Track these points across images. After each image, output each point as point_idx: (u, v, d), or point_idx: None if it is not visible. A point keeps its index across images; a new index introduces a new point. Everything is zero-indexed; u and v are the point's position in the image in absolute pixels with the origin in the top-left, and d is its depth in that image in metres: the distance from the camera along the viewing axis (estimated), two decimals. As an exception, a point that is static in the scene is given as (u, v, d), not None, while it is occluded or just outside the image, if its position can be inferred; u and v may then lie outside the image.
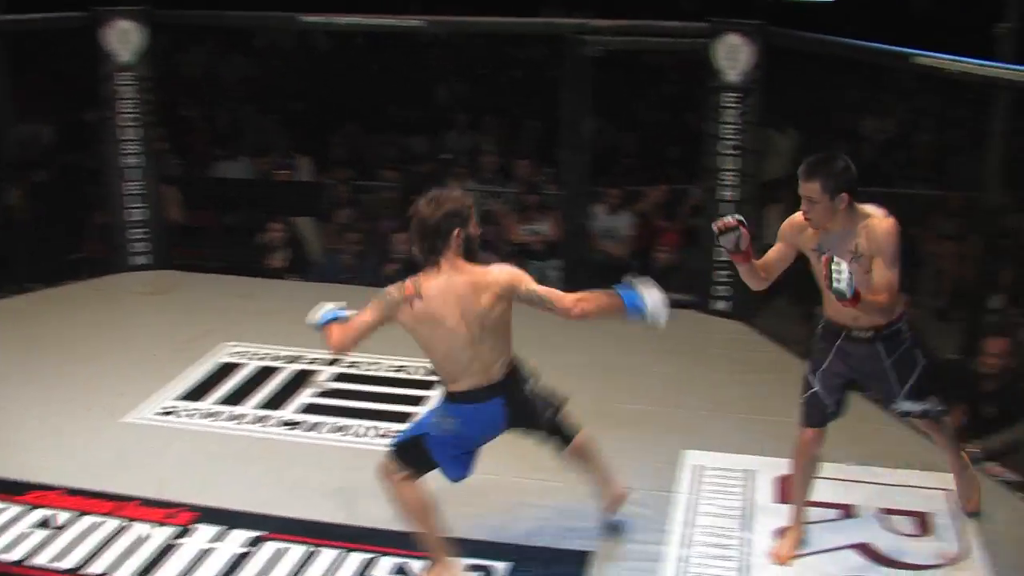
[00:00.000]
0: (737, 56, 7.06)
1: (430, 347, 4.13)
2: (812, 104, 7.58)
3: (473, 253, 4.07)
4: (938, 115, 9.19)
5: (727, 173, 7.24)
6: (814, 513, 4.93)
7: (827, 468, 5.29)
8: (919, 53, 6.04)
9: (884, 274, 4.13)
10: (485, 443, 4.32)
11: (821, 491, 5.11)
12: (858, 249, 4.20)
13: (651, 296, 4.20)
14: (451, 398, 4.20)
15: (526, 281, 4.08)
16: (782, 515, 4.91)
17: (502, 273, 4.06)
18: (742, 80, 7.09)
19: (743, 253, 4.31)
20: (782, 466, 5.34)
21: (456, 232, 4.00)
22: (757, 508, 5.04)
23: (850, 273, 3.97)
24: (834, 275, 3.96)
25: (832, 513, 4.99)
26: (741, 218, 4.28)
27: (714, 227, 4.29)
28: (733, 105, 7.12)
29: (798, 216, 4.35)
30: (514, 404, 4.21)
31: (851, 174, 4.15)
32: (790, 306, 7.85)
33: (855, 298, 4.00)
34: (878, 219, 4.19)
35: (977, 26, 6.49)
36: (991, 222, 6.26)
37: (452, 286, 4.01)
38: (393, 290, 4.10)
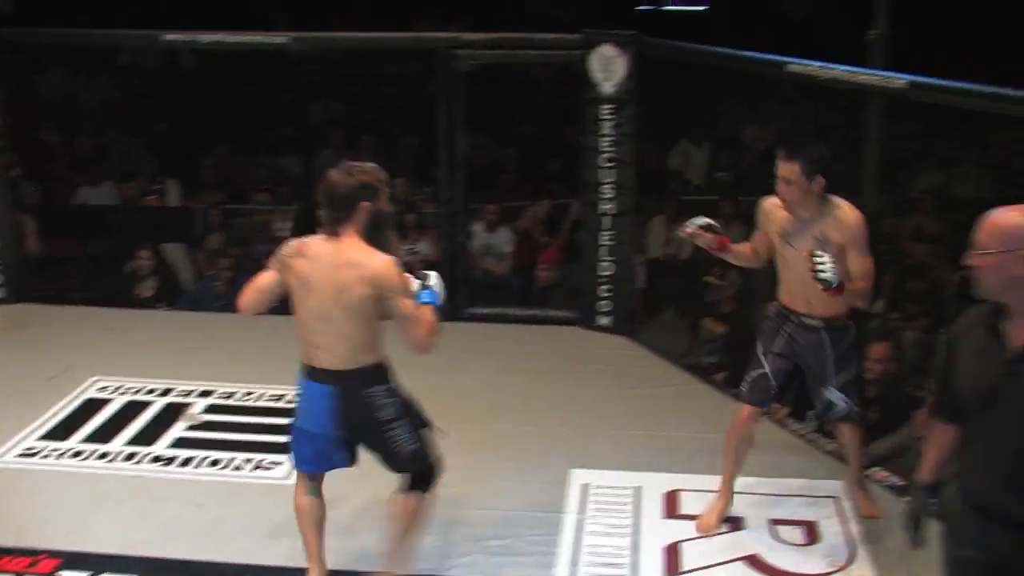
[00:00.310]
0: (611, 67, 7.15)
1: (297, 311, 4.07)
2: (693, 114, 7.72)
3: (381, 230, 4.01)
4: (815, 122, 9.40)
5: (605, 186, 7.31)
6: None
7: (714, 481, 5.39)
8: (792, 61, 6.19)
9: (862, 261, 4.45)
10: (321, 438, 4.14)
11: (707, 504, 5.21)
12: (825, 236, 4.45)
13: (435, 282, 4.17)
14: (300, 370, 4.17)
15: (398, 289, 3.94)
16: (671, 531, 4.98)
17: (381, 264, 3.92)
18: (617, 91, 7.17)
19: (720, 248, 4.75)
20: (670, 481, 5.42)
21: (362, 204, 3.95)
22: (646, 525, 5.07)
23: (833, 263, 4.26)
24: (818, 266, 4.26)
25: (720, 526, 5.05)
26: (705, 221, 4.67)
27: (681, 234, 4.77)
28: (609, 117, 7.20)
29: (768, 200, 4.72)
30: (348, 403, 4.04)
31: (828, 160, 4.47)
32: (675, 319, 7.98)
33: (840, 288, 4.28)
34: (847, 209, 4.50)
35: (851, 33, 6.67)
36: (869, 227, 6.41)
37: (334, 255, 3.95)
38: (286, 247, 4.10)
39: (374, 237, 3.99)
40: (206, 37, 7.78)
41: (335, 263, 3.93)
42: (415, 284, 4.10)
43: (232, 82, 9.13)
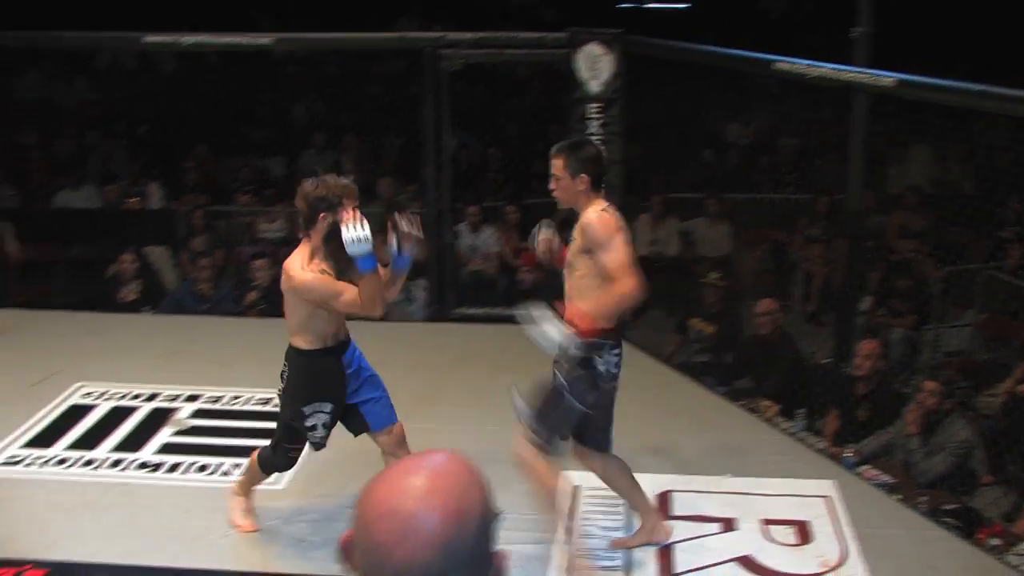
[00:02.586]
0: (598, 66, 7.13)
1: None
2: (674, 111, 7.71)
3: (337, 238, 4.28)
4: (800, 120, 9.44)
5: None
6: (694, 528, 5.00)
7: (705, 482, 5.40)
8: (779, 59, 6.19)
9: (608, 259, 4.30)
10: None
11: (700, 505, 5.20)
12: (575, 237, 4.48)
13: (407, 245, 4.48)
14: None
15: (295, 279, 4.38)
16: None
17: (288, 263, 4.42)
18: (604, 90, 7.16)
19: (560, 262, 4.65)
20: (662, 482, 5.41)
21: (321, 216, 4.32)
22: (638, 526, 5.05)
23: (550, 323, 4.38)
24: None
25: (712, 527, 5.06)
26: (551, 229, 4.71)
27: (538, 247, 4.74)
28: (596, 116, 7.19)
29: None
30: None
31: (596, 162, 4.48)
32: (663, 318, 7.97)
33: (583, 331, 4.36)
34: (589, 211, 4.40)
35: (832, 30, 6.68)
36: (856, 224, 6.43)
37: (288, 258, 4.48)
38: None
39: (332, 245, 4.34)
40: (188, 39, 7.74)
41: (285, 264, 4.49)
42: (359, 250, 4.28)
43: (214, 83, 9.09)
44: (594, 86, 7.18)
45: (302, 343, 4.55)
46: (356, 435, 4.78)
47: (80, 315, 8.12)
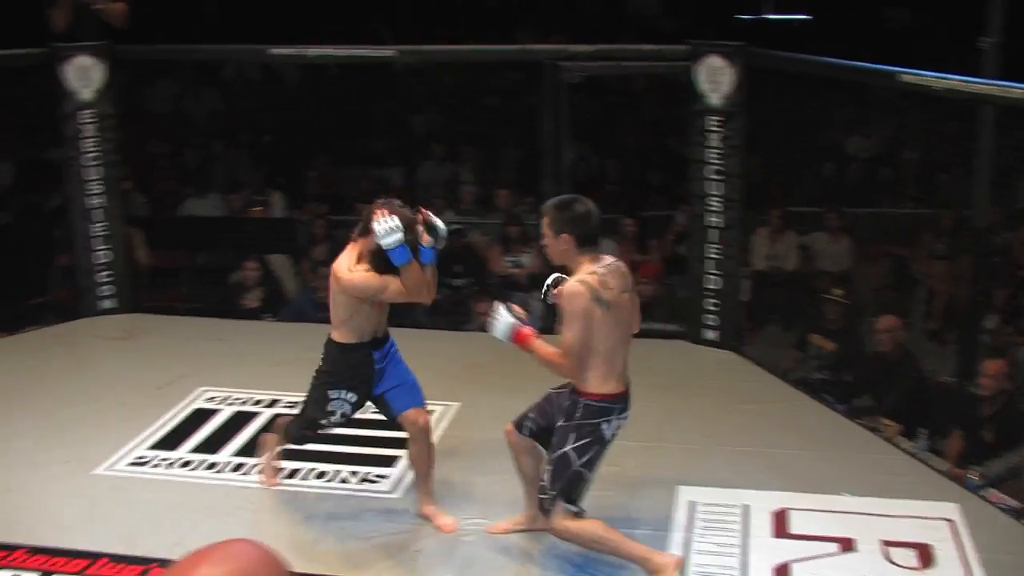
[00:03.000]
0: (718, 78, 7.07)
1: None
2: (794, 123, 7.60)
3: (381, 258, 4.71)
4: (925, 133, 9.24)
5: (712, 198, 7.23)
6: (812, 547, 4.92)
7: (823, 500, 5.30)
8: (905, 71, 6.06)
9: (561, 334, 4.35)
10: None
11: (818, 524, 5.11)
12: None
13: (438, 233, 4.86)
14: None
15: (343, 281, 4.80)
16: (781, 550, 4.90)
17: (336, 265, 4.87)
18: (725, 103, 7.09)
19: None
20: (779, 499, 5.33)
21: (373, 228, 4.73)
22: (755, 544, 4.99)
23: (506, 316, 4.50)
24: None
25: (831, 547, 4.96)
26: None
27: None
28: (716, 129, 7.12)
29: None
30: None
31: (583, 221, 4.37)
32: (781, 333, 7.86)
33: (516, 339, 4.48)
34: (571, 279, 4.35)
35: (957, 41, 6.53)
36: (982, 240, 6.27)
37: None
38: None
39: (375, 251, 4.72)
40: (314, 51, 7.87)
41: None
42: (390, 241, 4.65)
43: (335, 94, 9.23)
44: (714, 99, 7.11)
45: (340, 337, 4.96)
46: (390, 422, 5.12)
47: (204, 320, 8.33)
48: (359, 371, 4.98)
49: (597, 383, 4.40)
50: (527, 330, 4.45)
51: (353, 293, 4.82)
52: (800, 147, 7.55)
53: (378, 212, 4.66)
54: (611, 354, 4.36)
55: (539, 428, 4.66)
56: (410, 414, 5.01)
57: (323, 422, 5.06)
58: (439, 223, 4.88)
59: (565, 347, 4.29)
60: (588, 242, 4.36)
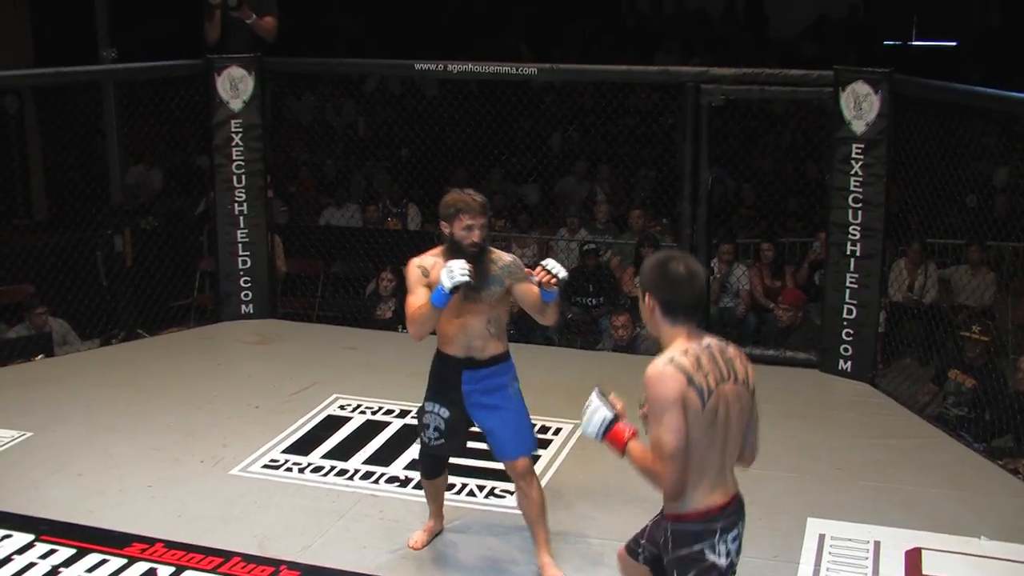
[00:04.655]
0: (863, 105, 6.94)
1: None
2: (939, 153, 7.42)
3: (460, 252, 4.52)
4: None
5: (852, 227, 7.09)
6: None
7: (958, 542, 5.14)
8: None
9: (653, 434, 3.38)
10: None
11: (952, 567, 4.96)
12: None
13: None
14: None
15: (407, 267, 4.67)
16: (913, 591, 4.76)
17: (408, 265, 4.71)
18: (868, 130, 6.95)
19: None
20: (912, 538, 5.19)
21: (443, 224, 4.61)
22: (886, 583, 4.86)
23: (604, 407, 3.52)
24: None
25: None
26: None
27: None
28: (859, 156, 6.99)
29: None
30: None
31: (673, 285, 3.41)
32: (917, 367, 7.66)
33: (610, 438, 3.49)
34: (657, 359, 3.41)
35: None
36: None
37: None
38: None
39: (445, 256, 4.54)
40: (456, 67, 7.95)
41: None
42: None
43: (474, 110, 9.30)
44: (858, 126, 6.98)
45: (437, 342, 4.81)
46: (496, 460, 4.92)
47: (339, 329, 8.48)
48: (446, 384, 4.75)
49: (688, 498, 3.44)
50: (624, 428, 3.48)
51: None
52: (944, 177, 7.36)
53: (455, 262, 4.37)
54: (706, 459, 3.40)
55: (652, 556, 3.71)
56: (512, 464, 4.76)
57: (422, 437, 4.87)
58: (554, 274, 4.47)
59: (659, 449, 3.33)
60: (679, 313, 3.42)
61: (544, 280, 4.42)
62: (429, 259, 4.63)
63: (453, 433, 4.79)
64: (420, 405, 4.90)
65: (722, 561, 3.47)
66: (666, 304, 3.42)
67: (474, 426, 4.84)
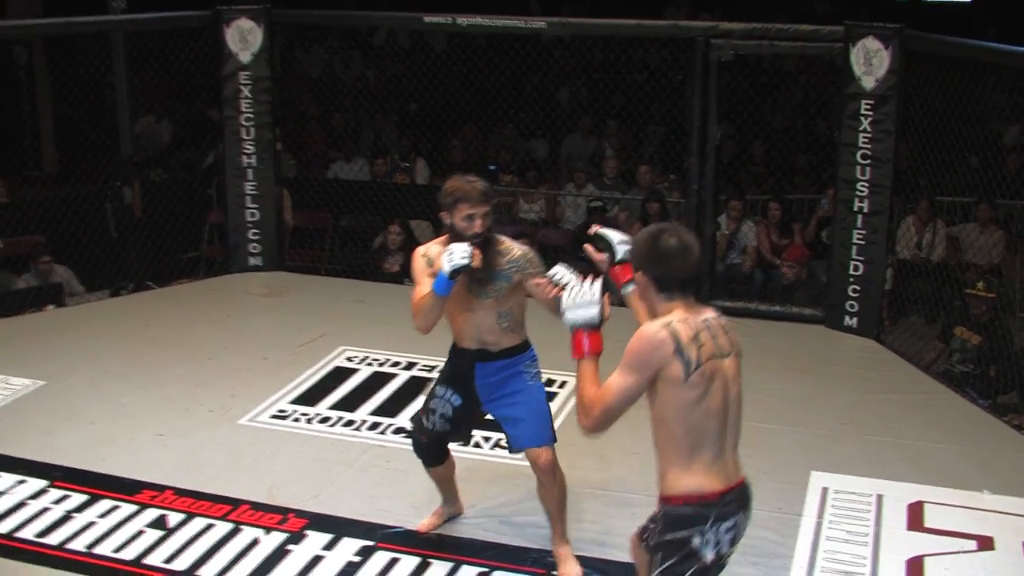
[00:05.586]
0: (874, 61, 6.92)
1: None
2: (950, 110, 7.40)
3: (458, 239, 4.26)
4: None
5: (860, 184, 7.09)
6: (947, 543, 4.81)
7: (961, 496, 5.18)
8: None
9: (609, 379, 3.25)
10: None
11: (955, 520, 5.00)
12: None
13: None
14: None
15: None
16: (914, 544, 4.80)
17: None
18: (878, 86, 6.94)
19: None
20: (915, 492, 5.23)
21: (443, 213, 4.34)
22: (887, 535, 4.90)
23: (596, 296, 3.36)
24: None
25: (968, 544, 4.84)
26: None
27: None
28: (868, 112, 6.98)
29: None
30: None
31: (665, 260, 3.22)
32: (923, 325, 7.68)
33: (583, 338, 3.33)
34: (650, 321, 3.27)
35: None
36: None
37: None
38: None
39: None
40: (465, 20, 7.93)
41: None
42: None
43: (483, 64, 9.27)
44: (868, 82, 6.96)
45: (451, 334, 4.57)
46: (511, 452, 4.65)
47: (347, 282, 8.53)
48: (459, 373, 4.53)
49: (679, 480, 3.22)
50: (594, 339, 3.33)
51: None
52: (954, 134, 7.33)
53: (457, 246, 4.14)
54: (699, 437, 3.19)
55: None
56: (530, 453, 4.45)
57: (424, 421, 4.62)
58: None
59: (604, 393, 3.20)
60: (674, 288, 3.23)
61: (553, 293, 3.94)
62: (435, 248, 4.39)
63: (460, 421, 4.61)
64: (429, 388, 4.72)
65: (708, 553, 3.21)
66: (660, 280, 3.23)
67: (484, 416, 4.70)
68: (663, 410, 3.18)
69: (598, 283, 3.35)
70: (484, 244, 4.26)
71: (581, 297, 3.32)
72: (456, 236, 4.25)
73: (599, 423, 3.22)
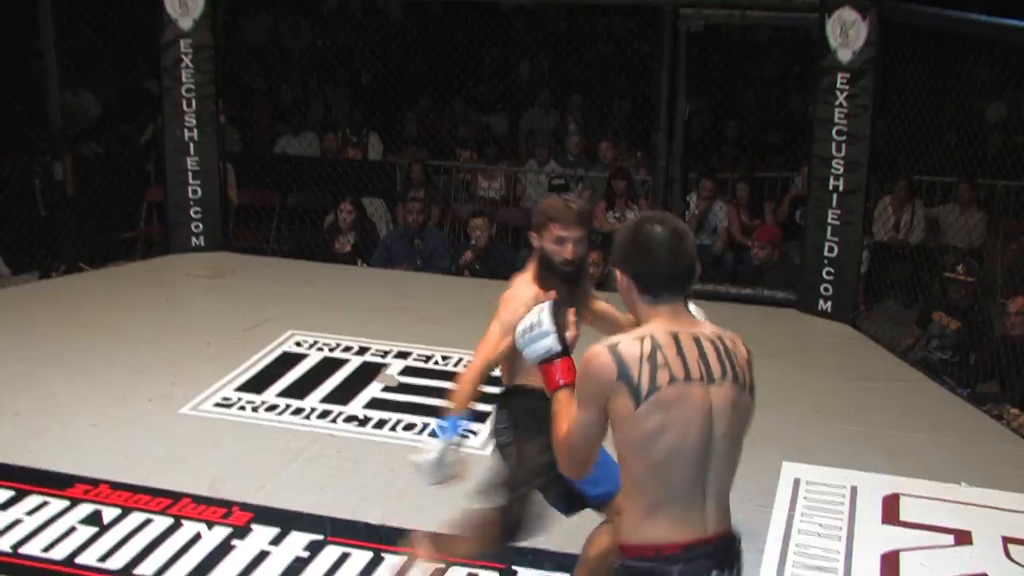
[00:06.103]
0: (850, 32, 6.95)
1: None
2: (929, 85, 7.46)
3: (551, 271, 3.87)
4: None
5: (836, 161, 7.13)
6: (924, 537, 4.86)
7: (938, 488, 5.22)
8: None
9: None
10: None
11: (932, 513, 5.04)
12: None
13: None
14: None
15: (500, 314, 3.88)
16: (890, 538, 4.84)
17: (505, 292, 3.95)
18: (855, 59, 6.97)
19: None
20: (890, 484, 5.28)
21: (532, 234, 3.93)
22: (862, 528, 4.94)
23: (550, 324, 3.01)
24: None
25: (945, 538, 4.88)
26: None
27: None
28: (844, 87, 7.01)
29: None
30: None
31: (643, 256, 2.78)
32: (900, 309, 7.75)
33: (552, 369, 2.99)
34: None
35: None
36: None
37: None
38: None
39: (539, 271, 3.89)
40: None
41: None
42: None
43: (438, 34, 9.26)
44: (844, 55, 7.00)
45: (509, 375, 4.07)
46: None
47: (295, 263, 8.49)
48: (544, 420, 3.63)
49: (637, 527, 2.78)
50: (564, 368, 2.96)
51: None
52: (934, 111, 7.39)
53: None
54: (665, 478, 2.73)
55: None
56: (614, 503, 3.80)
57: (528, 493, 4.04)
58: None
59: (559, 439, 2.87)
60: (658, 288, 2.78)
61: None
62: (525, 289, 3.86)
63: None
64: (516, 457, 4.00)
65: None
66: (640, 277, 2.79)
67: None
68: (619, 445, 2.77)
69: (546, 308, 3.00)
70: (574, 275, 3.89)
71: (530, 332, 2.98)
72: (545, 261, 3.87)
73: (569, 465, 2.89)
